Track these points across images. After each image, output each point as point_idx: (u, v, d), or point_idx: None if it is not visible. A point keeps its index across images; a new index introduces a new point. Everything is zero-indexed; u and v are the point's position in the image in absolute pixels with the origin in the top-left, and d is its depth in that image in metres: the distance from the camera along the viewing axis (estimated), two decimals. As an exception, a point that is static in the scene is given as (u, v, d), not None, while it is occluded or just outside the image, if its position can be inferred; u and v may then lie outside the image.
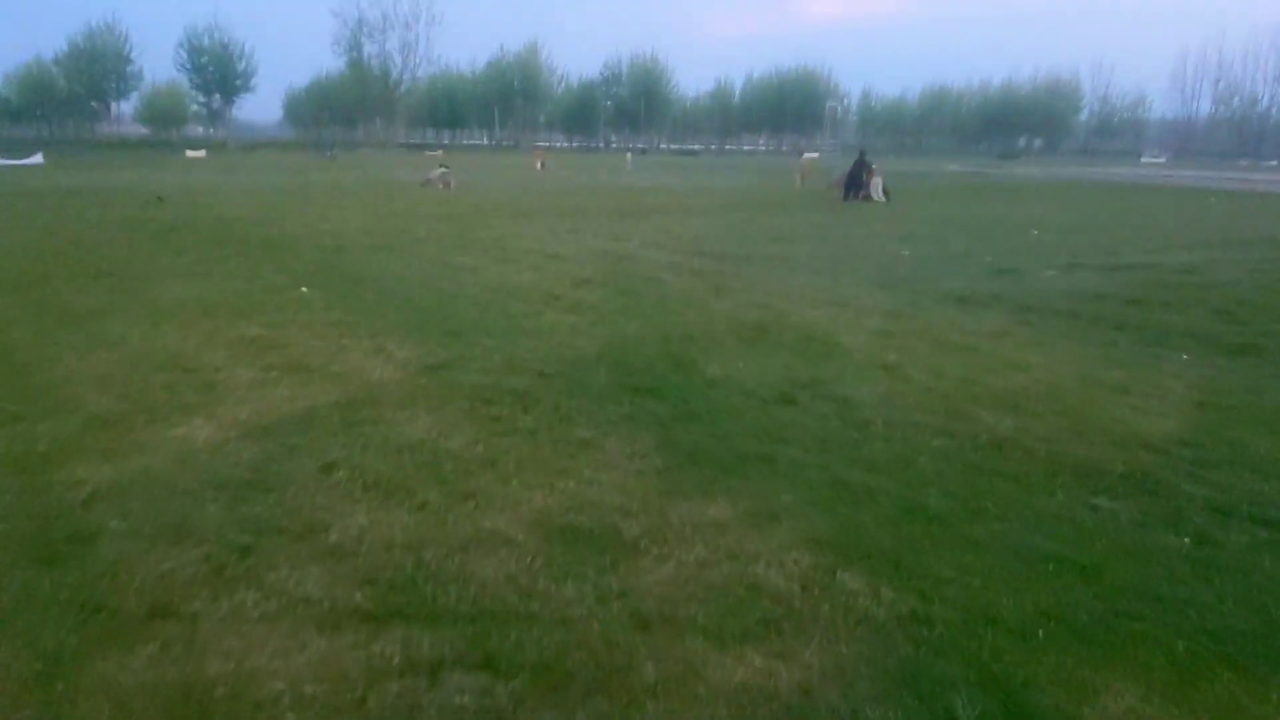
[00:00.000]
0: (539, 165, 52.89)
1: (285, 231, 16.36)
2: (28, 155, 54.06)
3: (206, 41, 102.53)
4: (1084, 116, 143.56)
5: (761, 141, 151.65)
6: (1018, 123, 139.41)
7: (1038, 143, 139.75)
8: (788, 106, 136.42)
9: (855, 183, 27.45)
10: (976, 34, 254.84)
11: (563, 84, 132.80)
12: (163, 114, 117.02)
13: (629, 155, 58.40)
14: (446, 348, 7.42)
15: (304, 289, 10.21)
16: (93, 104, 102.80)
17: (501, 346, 7.53)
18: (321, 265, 12.28)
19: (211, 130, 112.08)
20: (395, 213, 20.89)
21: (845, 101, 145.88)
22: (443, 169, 33.54)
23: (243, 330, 7.95)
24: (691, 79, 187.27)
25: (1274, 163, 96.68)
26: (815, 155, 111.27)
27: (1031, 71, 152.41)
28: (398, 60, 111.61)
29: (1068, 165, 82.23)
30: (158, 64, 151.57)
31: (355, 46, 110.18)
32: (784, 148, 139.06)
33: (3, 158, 50.40)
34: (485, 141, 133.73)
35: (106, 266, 11.76)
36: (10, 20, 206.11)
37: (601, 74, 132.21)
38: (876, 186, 27.83)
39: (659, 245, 15.35)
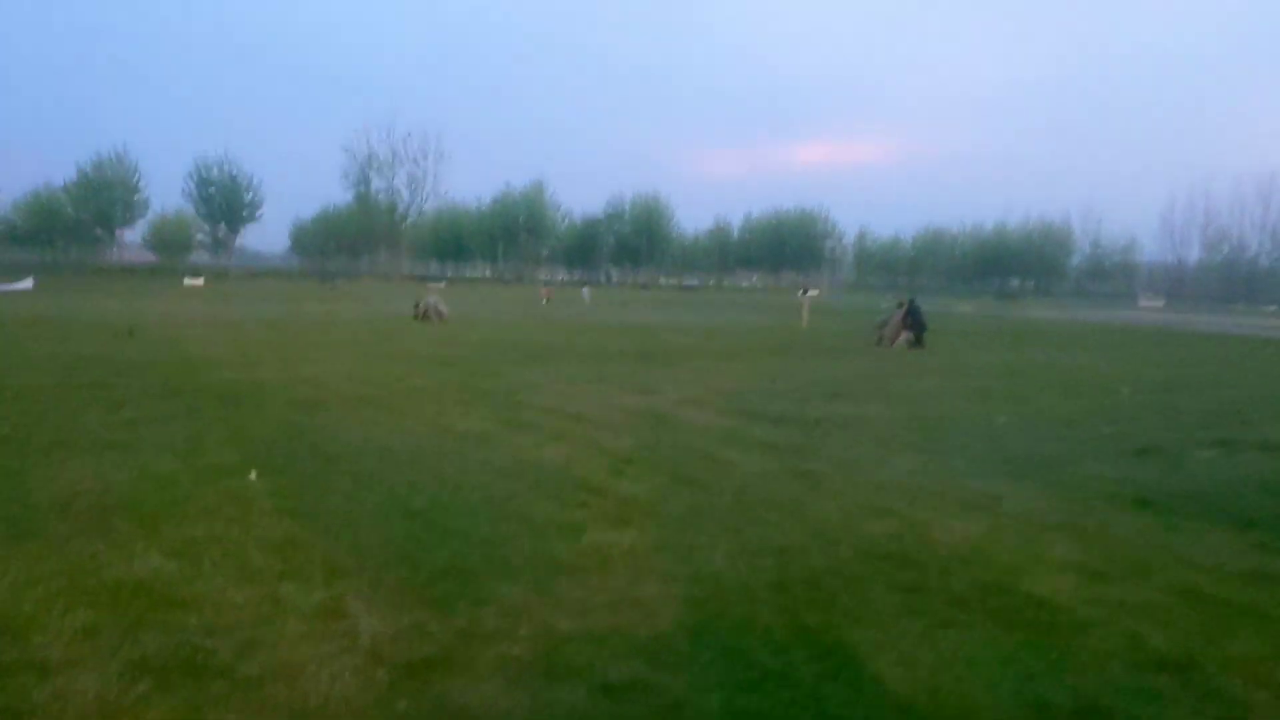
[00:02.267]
0: (545, 299, 51.16)
1: (256, 379, 13.80)
2: (19, 280, 52.30)
3: (215, 173, 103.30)
4: (1076, 259, 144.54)
5: (755, 278, 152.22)
6: (1011, 264, 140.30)
7: (1030, 284, 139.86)
8: (786, 245, 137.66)
9: (919, 327, 25.16)
10: (968, 178, 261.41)
11: (566, 220, 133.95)
12: (168, 241, 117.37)
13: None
14: (444, 614, 4.67)
15: (252, 474, 7.53)
16: (97, 231, 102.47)
17: (530, 607, 4.79)
18: (287, 431, 9.64)
19: (217, 258, 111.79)
20: (390, 353, 18.44)
21: (841, 241, 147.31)
22: (434, 298, 31.50)
23: (132, 565, 5.20)
24: (690, 216, 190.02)
25: (1273, 307, 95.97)
26: (815, 292, 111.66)
27: (1024, 214, 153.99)
28: (405, 194, 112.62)
29: (1069, 307, 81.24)
30: (166, 192, 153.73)
31: (363, 181, 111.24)
32: (782, 284, 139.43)
33: (-10, 283, 48.54)
34: (488, 274, 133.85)
35: (4, 430, 9.10)
36: (28, 149, 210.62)
37: (605, 210, 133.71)
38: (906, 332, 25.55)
39: (700, 403, 12.78)
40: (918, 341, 24.98)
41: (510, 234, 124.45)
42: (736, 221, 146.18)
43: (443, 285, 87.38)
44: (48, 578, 4.91)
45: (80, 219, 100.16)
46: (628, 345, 22.49)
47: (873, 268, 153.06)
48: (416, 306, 30.97)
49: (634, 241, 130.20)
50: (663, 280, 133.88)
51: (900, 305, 27.07)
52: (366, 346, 19.93)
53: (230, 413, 10.66)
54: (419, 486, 7.31)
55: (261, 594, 4.85)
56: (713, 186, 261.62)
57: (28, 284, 50.24)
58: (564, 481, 7.68)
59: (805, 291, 35.43)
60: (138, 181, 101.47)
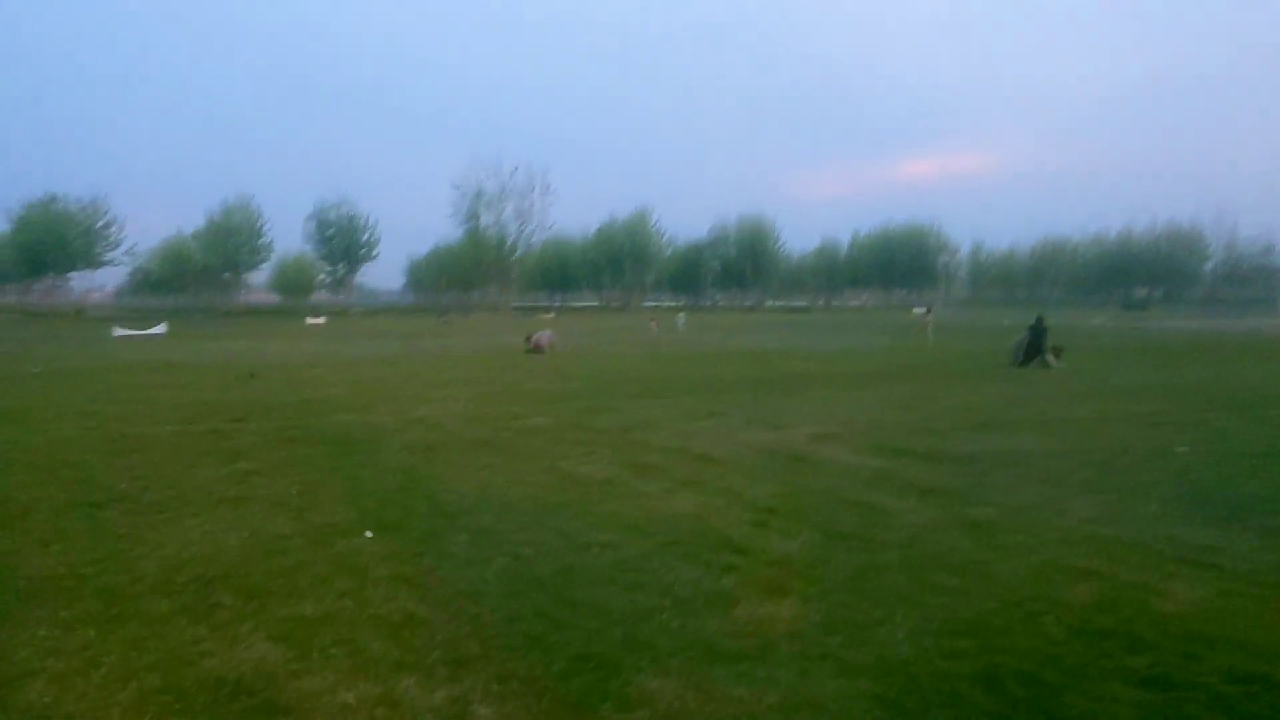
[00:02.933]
0: (654, 327, 50.68)
1: (372, 421, 13.50)
2: (154, 325, 54.87)
3: (333, 215, 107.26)
4: (1209, 265, 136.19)
5: (866, 297, 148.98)
6: (1137, 273, 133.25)
7: (1158, 293, 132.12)
8: (896, 262, 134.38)
9: (1035, 349, 23.48)
10: (1087, 185, 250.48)
11: (670, 246, 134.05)
12: (291, 283, 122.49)
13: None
14: None
15: (368, 533, 6.99)
16: (225, 275, 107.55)
17: (686, 712, 4.01)
18: (403, 480, 9.14)
19: (337, 297, 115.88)
20: (504, 390, 18.03)
21: (956, 255, 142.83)
22: (546, 332, 31.34)
23: (235, 654, 4.64)
24: (796, 237, 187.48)
25: None
26: (926, 310, 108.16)
27: (1149, 220, 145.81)
28: (513, 228, 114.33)
29: (1206, 316, 76.05)
30: (289, 236, 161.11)
31: (473, 216, 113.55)
32: (893, 302, 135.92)
33: (127, 328, 50.97)
34: (594, 303, 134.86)
35: (121, 486, 8.85)
36: (163, 201, 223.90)
37: (709, 235, 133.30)
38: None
39: (836, 438, 11.80)
40: (1057, 359, 23.25)
41: (615, 263, 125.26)
42: (844, 240, 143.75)
43: (550, 315, 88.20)
44: (142, 671, 4.37)
45: (209, 265, 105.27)
46: (744, 373, 21.58)
47: (988, 282, 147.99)
48: (528, 340, 30.79)
49: (739, 265, 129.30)
50: (769, 303, 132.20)
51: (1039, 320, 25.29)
52: (480, 383, 19.61)
53: (345, 461, 10.26)
54: (544, 548, 6.62)
55: (377, 692, 4.20)
56: (818, 206, 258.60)
57: (161, 329, 52.61)
58: (702, 538, 6.87)
59: (928, 310, 33.81)
60: (261, 227, 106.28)
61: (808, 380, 19.59)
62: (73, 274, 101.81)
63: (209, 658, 4.55)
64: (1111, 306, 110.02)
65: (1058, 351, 23.70)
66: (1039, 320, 25.16)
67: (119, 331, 48.86)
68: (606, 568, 6.15)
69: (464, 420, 13.58)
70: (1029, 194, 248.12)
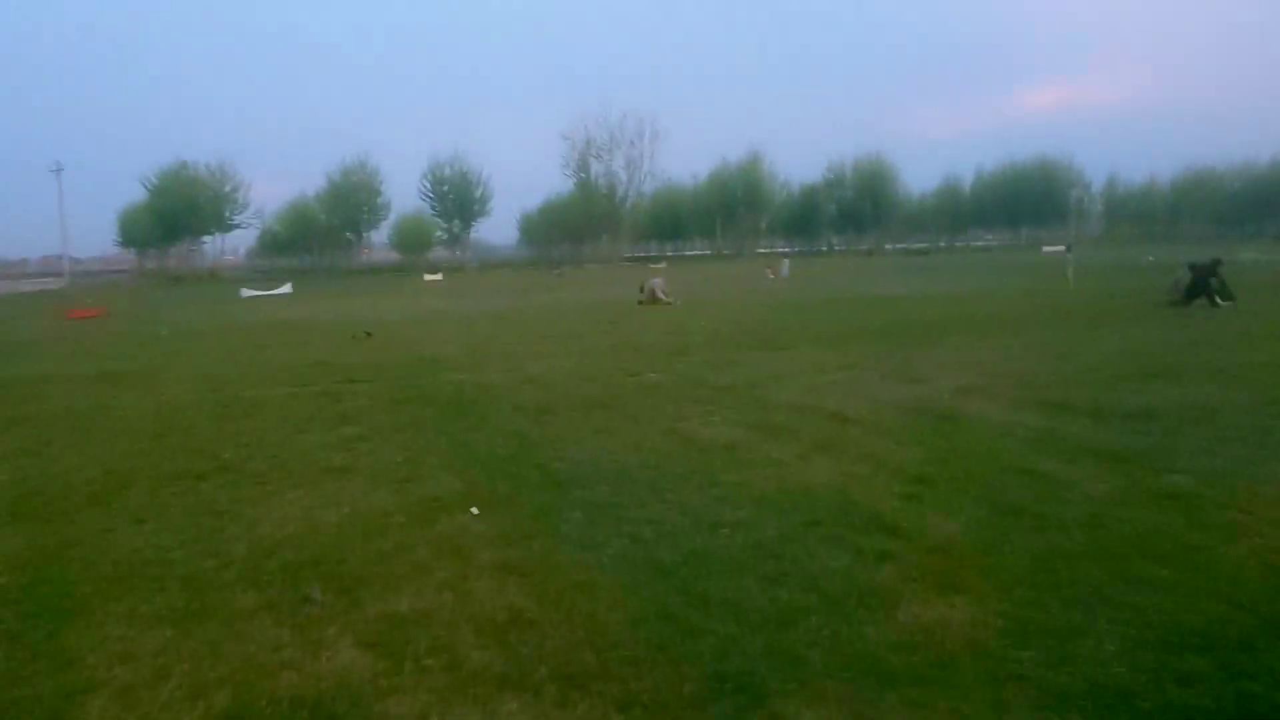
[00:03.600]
0: (769, 274, 49.28)
1: (483, 381, 13.02)
2: (280, 285, 56.65)
3: (448, 172, 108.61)
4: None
5: (991, 237, 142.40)
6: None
7: None
8: (1024, 199, 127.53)
9: (1198, 288, 21.32)
10: (1234, 112, 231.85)
11: (784, 190, 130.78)
12: (410, 240, 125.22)
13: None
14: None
15: (474, 509, 6.38)
16: (347, 235, 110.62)
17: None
18: (513, 445, 8.54)
19: (453, 253, 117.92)
20: (618, 344, 17.35)
21: (1089, 190, 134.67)
22: (658, 280, 30.53)
23: (318, 664, 4.04)
24: (916, 177, 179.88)
25: None
26: (1060, 248, 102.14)
27: None
28: (623, 177, 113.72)
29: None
30: (405, 193, 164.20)
31: (583, 167, 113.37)
32: (1021, 242, 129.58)
33: (254, 289, 52.71)
34: (707, 251, 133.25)
35: (226, 454, 8.53)
36: (289, 164, 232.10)
37: (824, 177, 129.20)
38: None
39: (985, 392, 10.64)
40: (1228, 298, 21.00)
41: (728, 209, 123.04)
42: (967, 178, 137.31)
43: (662, 265, 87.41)
44: (213, 686, 3.82)
45: (331, 225, 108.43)
46: (872, 321, 20.31)
47: (1124, 218, 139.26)
48: (641, 290, 30.08)
49: (857, 207, 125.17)
50: (888, 246, 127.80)
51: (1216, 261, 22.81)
52: (593, 337, 19.01)
53: (454, 424, 9.74)
54: (666, 526, 5.86)
55: (476, 718, 3.52)
56: (939, 143, 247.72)
57: (286, 289, 54.26)
58: (848, 515, 5.98)
59: (1068, 248, 31.28)
60: (379, 186, 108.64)
61: (943, 327, 18.21)
62: (205, 238, 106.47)
63: (288, 669, 3.96)
64: (1263, 239, 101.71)
65: (1228, 294, 21.38)
66: (1215, 262, 22.73)
67: (246, 292, 50.56)
68: (739, 553, 5.34)
69: (577, 378, 12.95)
70: (1168, 124, 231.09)
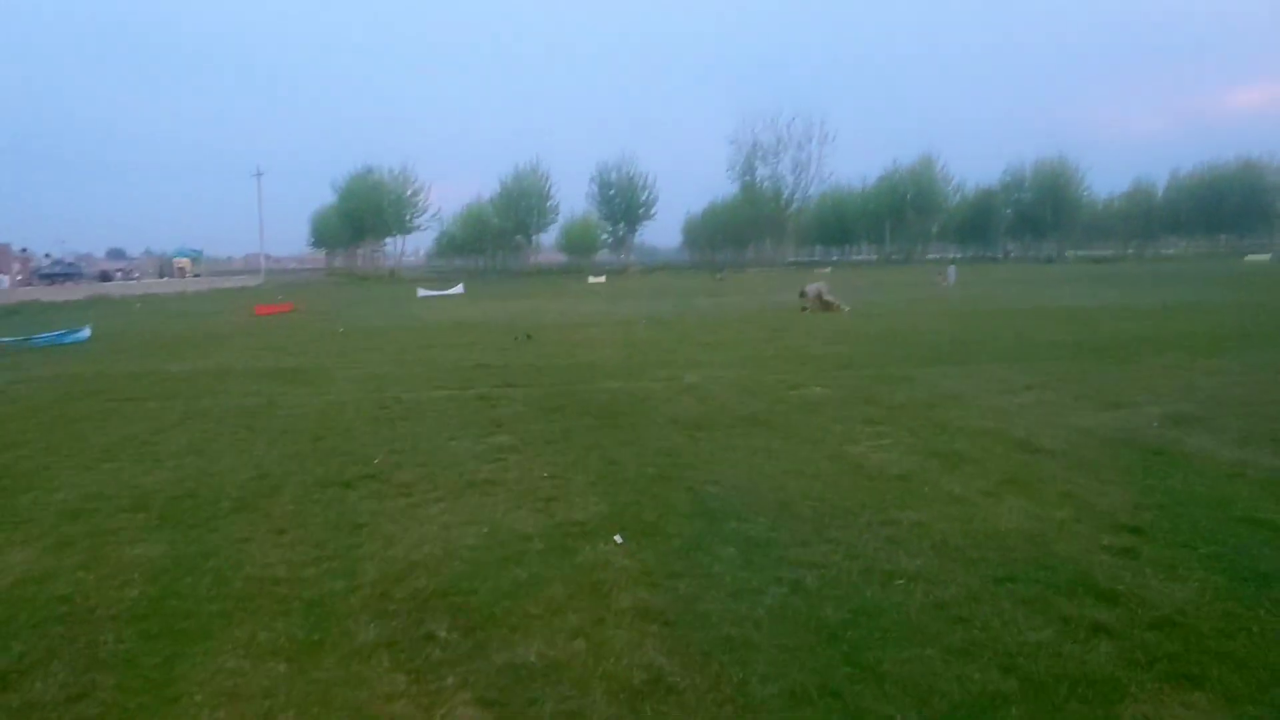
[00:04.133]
0: (941, 281, 46.96)
1: (639, 390, 12.57)
2: (453, 286, 58.67)
3: (614, 175, 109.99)
4: None
5: (1185, 244, 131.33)
6: None
7: None
8: (1225, 203, 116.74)
9: None
10: None
11: (958, 193, 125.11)
12: (577, 243, 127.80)
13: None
14: None
15: (618, 537, 5.87)
16: (517, 237, 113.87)
17: None
18: (666, 465, 7.99)
19: (618, 255, 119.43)
20: (780, 353, 16.57)
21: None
22: (819, 285, 29.40)
23: (437, 716, 3.60)
24: (1101, 180, 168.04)
25: None
26: (1266, 257, 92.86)
27: None
28: (789, 180, 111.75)
29: None
30: (573, 197, 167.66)
31: (749, 170, 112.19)
32: (1220, 250, 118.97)
33: (430, 289, 54.73)
34: (874, 256, 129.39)
35: (376, 460, 8.39)
36: (463, 167, 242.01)
37: (1001, 180, 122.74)
38: None
39: (1199, 422, 9.27)
40: None
41: (897, 213, 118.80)
42: (1160, 181, 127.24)
43: (828, 270, 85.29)
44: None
45: (503, 228, 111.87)
46: (1060, 335, 18.63)
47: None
48: (802, 296, 29.08)
49: (1036, 211, 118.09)
50: (1069, 253, 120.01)
51: None
52: (754, 345, 18.28)
53: (606, 436, 9.30)
54: (831, 574, 5.15)
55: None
56: (1127, 145, 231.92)
57: (459, 290, 56.05)
58: (1048, 571, 5.09)
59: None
60: (549, 189, 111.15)
61: (1142, 344, 16.44)
62: (388, 239, 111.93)
63: (397, 729, 3.53)
64: None
65: None
66: None
67: (422, 292, 52.53)
68: (918, 613, 4.58)
69: (735, 389, 12.30)
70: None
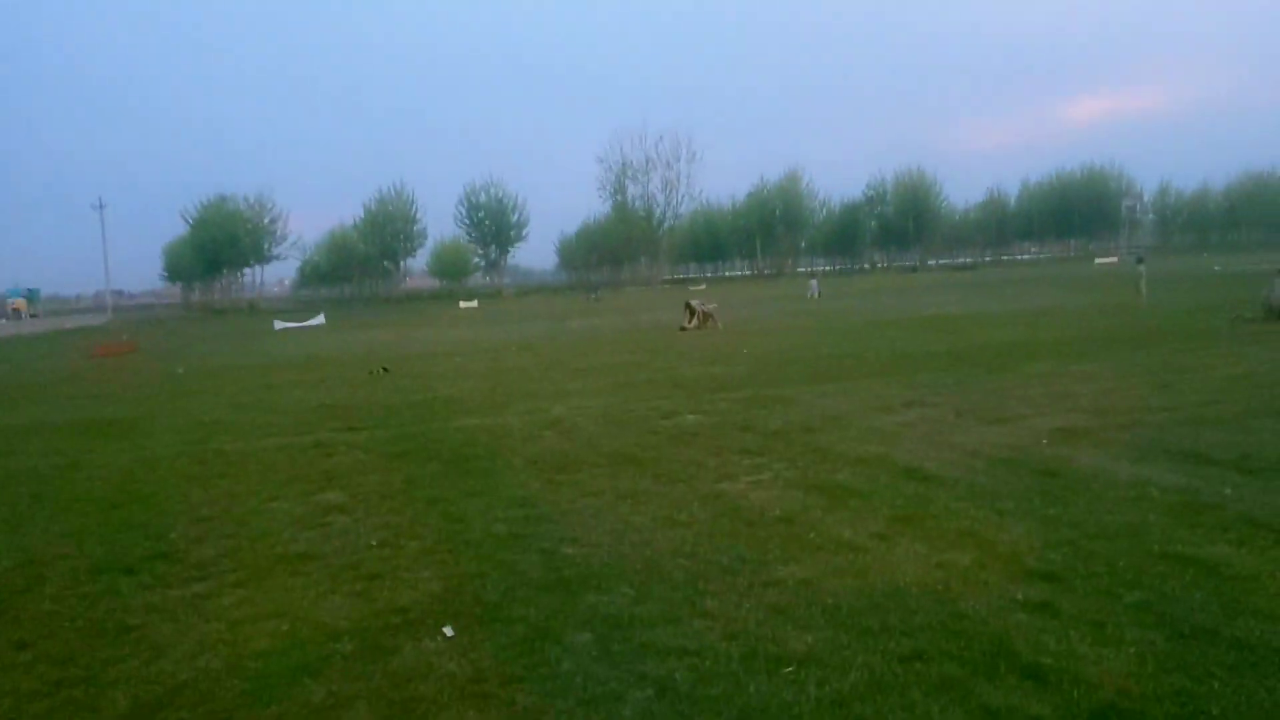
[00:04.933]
0: (816, 293, 47.38)
1: (500, 426, 11.46)
2: (312, 317, 55.87)
3: (483, 197, 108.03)
4: None
5: (1035, 250, 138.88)
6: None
7: None
8: (1073, 210, 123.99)
9: None
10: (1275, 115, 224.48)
11: (824, 208, 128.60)
12: (448, 267, 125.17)
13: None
14: None
15: (448, 630, 4.78)
16: (385, 263, 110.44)
17: None
18: (518, 521, 6.92)
19: (491, 279, 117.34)
20: (655, 378, 15.72)
21: (1142, 198, 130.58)
22: (700, 302, 28.89)
23: None
24: (958, 191, 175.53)
25: None
26: (1113, 260, 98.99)
27: None
28: (660, 199, 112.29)
29: None
30: (442, 220, 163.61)
31: (620, 190, 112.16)
32: (1071, 254, 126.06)
33: (287, 320, 51.93)
34: (746, 271, 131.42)
35: (173, 534, 7.00)
36: (325, 193, 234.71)
37: (865, 193, 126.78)
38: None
39: (1088, 436, 8.84)
40: None
41: (767, 228, 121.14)
42: (1012, 190, 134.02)
43: (702, 287, 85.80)
44: None
45: (369, 254, 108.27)
46: (933, 345, 18.45)
47: (1178, 227, 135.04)
48: (688, 310, 28.44)
49: (898, 223, 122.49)
50: (931, 262, 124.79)
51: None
52: (626, 370, 17.38)
53: (454, 485, 8.17)
54: (707, 664, 4.19)
55: None
56: (981, 157, 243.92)
57: (319, 320, 53.43)
58: (961, 642, 4.26)
59: (1139, 260, 28.81)
60: (415, 213, 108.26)
61: (1013, 352, 16.31)
62: (246, 270, 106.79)
63: None
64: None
65: None
66: None
67: (279, 324, 49.78)
68: (813, 715, 3.66)
69: (604, 422, 11.33)
70: (1220, 131, 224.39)
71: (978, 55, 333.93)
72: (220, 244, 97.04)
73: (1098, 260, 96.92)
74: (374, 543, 6.57)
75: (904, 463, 8.08)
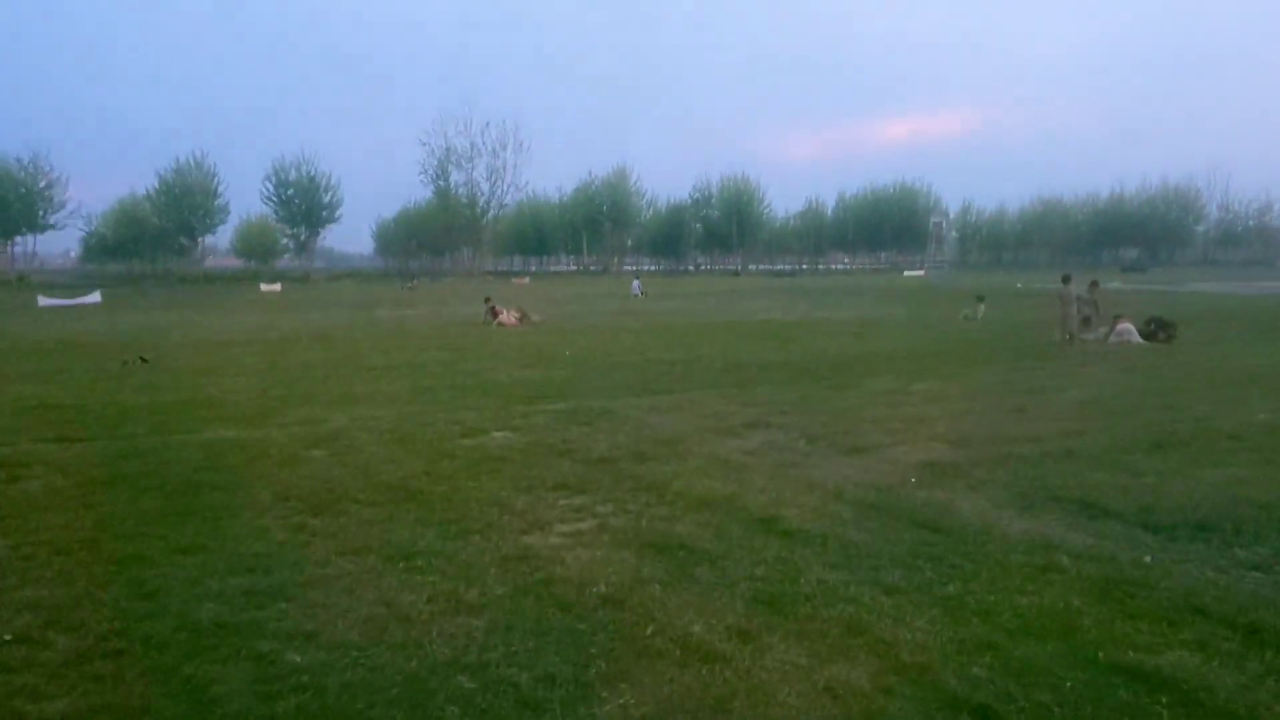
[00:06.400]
0: (639, 293, 46.26)
1: (259, 442, 9.19)
2: (86, 294, 49.76)
3: (293, 175, 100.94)
4: (1203, 227, 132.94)
5: (848, 260, 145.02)
6: (1129, 234, 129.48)
7: (1146, 255, 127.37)
8: (885, 223, 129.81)
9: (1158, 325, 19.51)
10: (1076, 146, 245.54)
11: (651, 207, 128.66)
12: (254, 247, 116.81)
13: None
14: None
15: None
16: (181, 239, 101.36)
17: None
18: (239, 595, 4.87)
19: (301, 261, 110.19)
20: (459, 382, 13.70)
21: (948, 216, 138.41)
22: (488, 301, 26.98)
23: None
24: (779, 199, 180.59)
25: None
26: (920, 273, 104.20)
27: (1140, 181, 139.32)
28: (485, 188, 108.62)
29: (1219, 280, 71.98)
30: (249, 198, 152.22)
31: (443, 175, 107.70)
32: (881, 265, 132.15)
33: (54, 297, 45.92)
34: (572, 267, 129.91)
35: None
36: (113, 161, 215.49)
37: (691, 195, 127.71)
38: (1129, 330, 19.42)
39: (958, 472, 7.66)
40: (1160, 338, 19.10)
41: (594, 224, 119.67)
42: (829, 202, 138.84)
43: (525, 281, 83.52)
44: None
45: (164, 227, 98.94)
46: (768, 355, 17.32)
47: (977, 245, 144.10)
48: (487, 303, 26.45)
49: (723, 227, 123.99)
50: (752, 267, 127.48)
51: (1093, 285, 21.23)
52: (431, 370, 15.25)
53: (163, 537, 5.95)
54: None
55: None
56: (801, 168, 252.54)
57: (95, 297, 47.45)
58: None
59: (980, 299, 27.69)
60: (217, 187, 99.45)
61: (853, 365, 15.34)
62: (18, 239, 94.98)
63: None
64: (1105, 269, 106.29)
65: (1166, 327, 19.44)
66: (1093, 284, 21.14)
67: (44, 301, 43.84)
68: None
69: (391, 439, 9.28)
70: (1017, 156, 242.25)
71: (804, 67, 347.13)
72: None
73: (906, 273, 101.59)
74: (7, 637, 4.38)
75: (758, 509, 6.54)
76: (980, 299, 27.95)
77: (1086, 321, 20.16)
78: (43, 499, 6.99)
